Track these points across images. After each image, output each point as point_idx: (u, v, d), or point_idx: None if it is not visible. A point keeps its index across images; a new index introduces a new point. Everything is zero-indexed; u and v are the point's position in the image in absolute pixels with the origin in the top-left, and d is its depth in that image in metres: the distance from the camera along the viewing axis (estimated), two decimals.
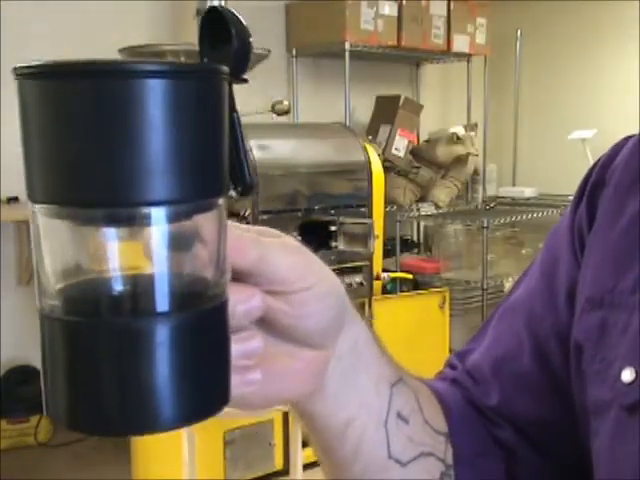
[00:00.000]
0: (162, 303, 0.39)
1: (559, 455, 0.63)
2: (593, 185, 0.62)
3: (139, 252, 0.39)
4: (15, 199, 3.40)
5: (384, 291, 3.56)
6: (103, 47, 3.46)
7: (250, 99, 3.84)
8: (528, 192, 4.85)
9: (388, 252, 4.21)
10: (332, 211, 3.03)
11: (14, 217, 3.31)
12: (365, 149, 3.28)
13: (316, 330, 0.47)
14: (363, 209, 3.20)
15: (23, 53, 3.48)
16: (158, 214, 0.37)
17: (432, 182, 4.36)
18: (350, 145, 3.29)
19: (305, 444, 2.61)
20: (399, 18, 4.15)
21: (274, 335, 0.46)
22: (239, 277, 0.44)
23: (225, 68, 0.40)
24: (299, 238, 2.66)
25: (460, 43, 4.50)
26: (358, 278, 3.17)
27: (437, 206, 4.41)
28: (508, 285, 4.56)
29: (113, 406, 0.38)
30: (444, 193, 4.39)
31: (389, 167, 4.06)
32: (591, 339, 0.56)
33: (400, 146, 4.23)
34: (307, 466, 2.69)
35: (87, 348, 0.38)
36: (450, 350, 3.60)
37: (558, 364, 0.61)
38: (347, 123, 3.83)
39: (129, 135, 0.36)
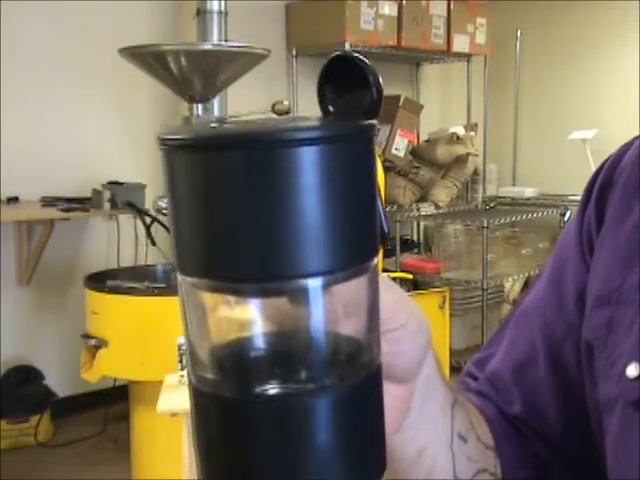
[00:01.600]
0: (321, 376, 0.37)
1: (581, 459, 0.63)
2: (601, 186, 0.61)
3: (294, 323, 0.37)
4: (15, 199, 3.40)
5: None
6: (103, 47, 3.46)
7: (250, 99, 3.85)
8: (528, 192, 4.86)
9: (388, 252, 4.22)
10: None
11: (14, 217, 3.31)
12: None
13: (409, 367, 0.46)
14: None
15: (23, 53, 3.48)
16: (314, 285, 0.35)
17: (432, 182, 4.36)
18: None
19: None
20: (399, 18, 4.15)
21: None
22: None
23: (375, 123, 0.37)
24: None
25: (460, 43, 4.50)
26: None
27: (437, 206, 4.41)
28: (508, 285, 4.56)
29: None
30: (444, 193, 4.39)
31: (389, 167, 4.07)
32: (600, 337, 0.56)
33: (400, 146, 4.23)
34: None
35: (245, 425, 0.36)
36: (450, 350, 3.60)
37: (572, 367, 0.61)
38: None
39: (283, 206, 0.33)
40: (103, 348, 2.73)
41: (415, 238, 5.01)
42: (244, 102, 3.25)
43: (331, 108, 0.41)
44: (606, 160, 0.63)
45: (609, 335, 0.55)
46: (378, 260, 0.38)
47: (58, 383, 3.58)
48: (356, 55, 0.40)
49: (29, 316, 3.62)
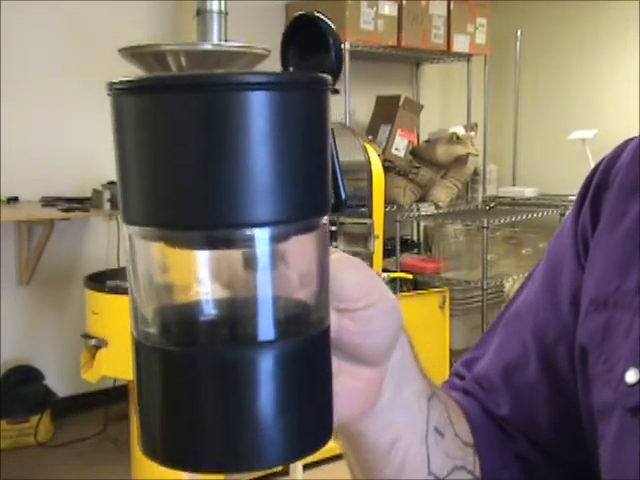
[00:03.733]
0: (266, 330, 0.36)
1: (571, 464, 0.62)
2: (596, 188, 0.61)
3: (240, 276, 0.36)
4: (15, 199, 3.40)
5: None
6: (103, 47, 3.46)
7: None
8: (528, 192, 4.85)
9: (388, 252, 4.21)
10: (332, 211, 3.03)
11: (14, 217, 3.31)
12: (365, 149, 3.28)
13: (379, 347, 0.46)
14: (363, 209, 3.20)
15: (23, 53, 3.48)
16: (261, 235, 0.34)
17: (432, 182, 4.36)
18: (350, 145, 3.29)
19: None
20: (399, 18, 4.15)
21: (335, 355, 0.44)
22: None
23: (330, 78, 0.37)
24: None
25: (460, 43, 4.50)
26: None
27: (437, 206, 4.41)
28: (508, 285, 4.56)
29: (215, 441, 0.35)
30: (444, 193, 4.39)
31: (389, 167, 4.06)
32: (595, 341, 0.55)
33: (400, 146, 4.23)
34: (307, 466, 2.69)
35: (187, 378, 0.35)
36: (450, 350, 3.60)
37: (565, 371, 0.60)
38: (347, 123, 3.83)
39: (232, 151, 0.33)
40: (103, 348, 2.73)
41: (415, 238, 5.01)
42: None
43: (291, 69, 0.41)
44: (600, 161, 0.62)
45: (605, 340, 0.55)
46: (327, 222, 0.38)
47: (58, 383, 3.58)
48: (318, 16, 0.40)
49: (29, 316, 3.62)
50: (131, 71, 3.02)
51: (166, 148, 0.33)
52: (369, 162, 3.26)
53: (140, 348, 0.37)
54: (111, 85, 0.35)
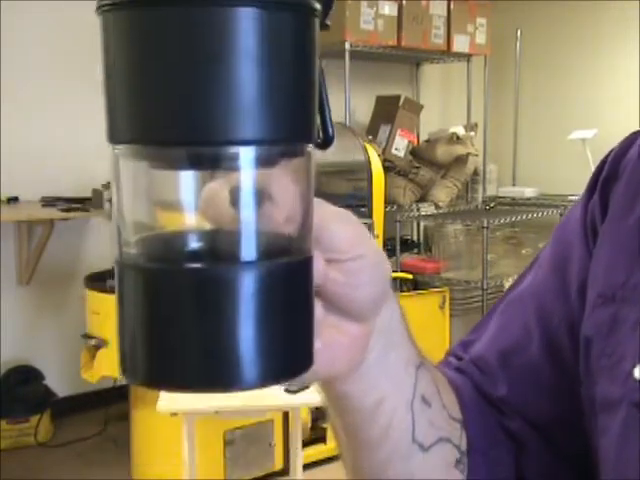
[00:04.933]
0: (248, 251, 0.36)
1: (567, 449, 0.62)
2: (605, 178, 0.61)
3: (224, 199, 0.36)
4: (15, 199, 3.40)
5: None
6: None
7: None
8: (528, 192, 4.85)
9: (388, 252, 4.21)
10: None
11: (14, 217, 3.31)
12: (365, 149, 3.28)
13: (367, 300, 0.46)
14: (363, 209, 3.20)
15: (23, 53, 3.48)
16: (246, 155, 0.34)
17: (432, 182, 4.36)
18: (350, 145, 3.29)
19: (305, 444, 2.61)
20: (399, 18, 4.15)
21: (322, 307, 0.44)
22: None
23: (319, 5, 0.36)
24: None
25: (460, 43, 4.50)
26: None
27: (437, 206, 4.41)
28: (508, 285, 4.55)
29: (197, 360, 0.35)
30: (444, 193, 4.39)
31: (389, 167, 4.06)
32: (601, 334, 0.56)
33: (400, 146, 4.23)
34: (307, 466, 2.69)
35: (168, 297, 0.35)
36: None
37: (568, 357, 0.60)
38: (347, 123, 3.83)
39: (218, 68, 0.32)
40: (103, 348, 2.73)
41: (415, 238, 5.01)
42: None
43: None
44: (609, 154, 0.63)
45: (612, 333, 0.55)
46: (312, 152, 0.37)
47: (58, 383, 3.58)
48: None
49: (29, 316, 3.62)
50: None
51: (150, 64, 0.33)
52: (369, 162, 3.26)
53: (121, 268, 0.37)
54: (99, 3, 0.35)
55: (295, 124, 0.35)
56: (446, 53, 4.56)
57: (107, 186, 3.40)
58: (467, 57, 4.71)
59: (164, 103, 0.33)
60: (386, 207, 3.53)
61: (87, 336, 2.84)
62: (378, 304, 0.47)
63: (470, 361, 0.66)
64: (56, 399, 3.52)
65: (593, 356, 0.56)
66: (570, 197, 4.50)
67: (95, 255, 3.66)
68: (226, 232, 0.37)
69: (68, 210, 3.25)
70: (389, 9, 4.10)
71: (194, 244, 0.37)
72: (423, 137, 4.75)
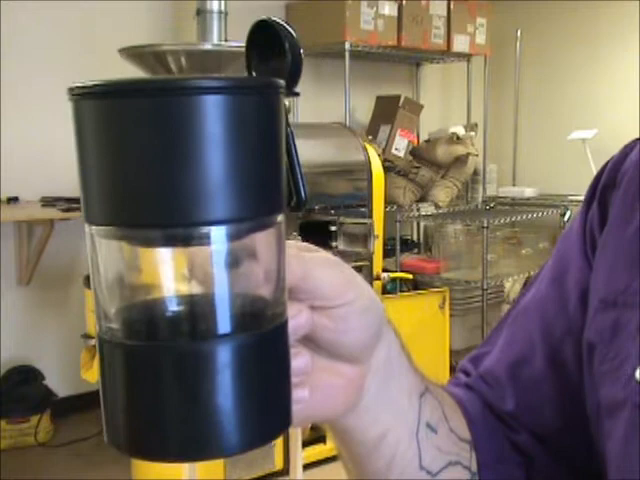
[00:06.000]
0: (223, 325, 0.37)
1: (576, 461, 0.62)
2: (604, 187, 0.62)
3: (198, 271, 0.38)
4: (15, 199, 3.40)
5: (384, 291, 3.56)
6: (103, 47, 3.46)
7: None
8: (528, 192, 4.85)
9: (388, 252, 4.21)
10: (332, 211, 3.03)
11: (14, 217, 3.31)
12: (365, 149, 3.28)
13: (357, 345, 0.46)
14: (363, 209, 3.20)
15: (23, 54, 3.48)
16: (217, 233, 0.36)
17: (432, 182, 4.36)
18: (350, 145, 3.29)
19: (305, 444, 2.61)
20: (399, 18, 4.15)
21: (314, 351, 0.45)
22: None
23: (282, 82, 0.39)
24: (299, 238, 2.66)
25: (460, 43, 4.50)
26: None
27: (437, 206, 4.41)
28: (508, 285, 4.56)
29: (176, 431, 0.37)
30: (444, 193, 4.39)
31: (389, 167, 4.07)
32: (604, 339, 0.56)
33: (400, 146, 4.23)
34: (307, 466, 2.69)
35: (148, 372, 0.37)
36: (450, 350, 3.60)
37: (571, 368, 0.61)
38: (347, 123, 3.83)
39: (188, 153, 0.34)
40: None
41: (415, 238, 5.01)
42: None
43: (254, 73, 0.43)
44: (608, 162, 0.63)
45: (614, 338, 0.55)
46: (283, 220, 0.39)
47: (58, 383, 3.58)
48: (275, 21, 0.42)
49: (29, 316, 3.62)
50: (131, 71, 3.03)
51: (123, 151, 0.35)
52: (369, 162, 3.26)
53: (103, 343, 0.38)
54: (70, 90, 0.36)
55: (263, 200, 0.37)
56: (446, 53, 4.56)
57: None
58: (467, 57, 4.71)
59: (137, 188, 0.35)
60: (386, 207, 3.53)
61: (87, 336, 2.84)
62: (370, 346, 0.48)
63: (479, 376, 0.66)
64: (56, 399, 3.52)
65: (596, 362, 0.56)
66: (570, 197, 4.50)
67: None
68: (200, 299, 0.39)
69: (68, 210, 3.25)
70: (389, 9, 4.10)
71: (170, 315, 0.39)
72: (423, 137, 4.75)
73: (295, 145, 0.41)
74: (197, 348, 0.37)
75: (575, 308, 0.61)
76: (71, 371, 3.39)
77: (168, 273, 0.39)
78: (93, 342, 2.78)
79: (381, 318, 0.48)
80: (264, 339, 0.39)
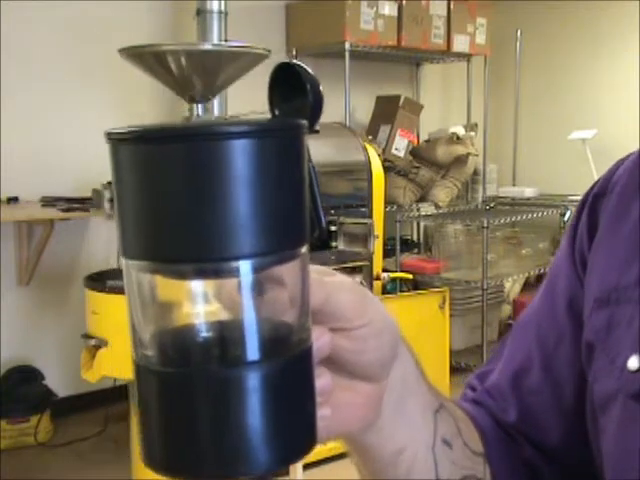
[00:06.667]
0: (252, 352, 0.40)
1: (576, 469, 0.63)
2: (595, 196, 0.63)
3: (229, 302, 0.41)
4: (15, 199, 3.40)
5: (384, 291, 3.56)
6: (103, 47, 3.46)
7: (250, 99, 3.84)
8: (528, 192, 4.85)
9: (388, 252, 4.21)
10: (332, 211, 3.03)
11: (14, 217, 3.31)
12: (365, 149, 3.28)
13: (374, 364, 0.48)
14: (363, 209, 3.20)
15: (23, 54, 3.48)
16: (245, 267, 0.39)
17: (432, 182, 4.36)
18: (350, 145, 3.29)
19: None
20: (399, 18, 4.15)
21: (334, 371, 0.47)
22: None
23: (305, 123, 0.41)
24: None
25: (460, 43, 4.50)
26: (358, 278, 3.17)
27: (437, 206, 4.41)
28: (508, 285, 4.56)
29: (208, 453, 0.39)
30: (444, 193, 4.39)
31: (389, 167, 4.07)
32: (600, 338, 0.57)
33: (400, 146, 4.23)
34: (307, 466, 2.69)
35: (181, 397, 0.40)
36: (450, 350, 3.60)
37: (565, 376, 0.62)
38: (347, 123, 3.83)
39: (217, 194, 0.37)
40: (103, 348, 2.73)
41: (415, 238, 5.01)
42: (244, 102, 3.25)
43: (277, 112, 0.46)
44: (601, 177, 0.64)
45: (610, 334, 0.56)
46: (307, 249, 0.41)
47: (58, 383, 3.58)
48: (296, 63, 0.45)
49: (29, 316, 3.62)
50: (131, 71, 3.02)
51: (158, 192, 0.38)
52: (369, 162, 3.26)
53: (140, 370, 0.41)
54: (108, 134, 0.39)
55: (287, 235, 0.40)
56: (446, 53, 4.56)
57: (107, 186, 3.40)
58: (467, 57, 4.71)
59: (171, 226, 0.38)
60: (386, 207, 3.53)
61: (87, 336, 2.84)
62: (387, 365, 0.50)
63: (484, 391, 0.68)
64: (56, 399, 3.52)
65: (595, 360, 0.57)
66: (570, 197, 4.50)
67: (95, 255, 3.66)
68: (230, 328, 0.41)
69: (68, 210, 3.25)
70: (389, 9, 4.10)
71: (201, 342, 0.42)
72: (423, 137, 4.75)
73: (317, 180, 0.44)
74: (227, 375, 0.39)
75: (563, 317, 0.63)
76: (71, 371, 3.39)
77: (199, 303, 0.42)
78: (93, 342, 2.78)
79: (397, 337, 0.50)
80: (291, 364, 0.41)
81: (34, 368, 3.53)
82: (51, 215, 3.28)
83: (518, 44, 5.07)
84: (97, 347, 2.75)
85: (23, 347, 3.58)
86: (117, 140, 0.39)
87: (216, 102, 3.31)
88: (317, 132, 0.44)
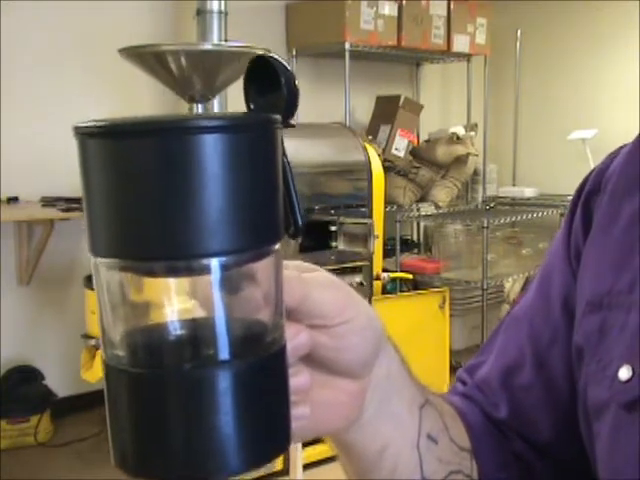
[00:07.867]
0: (223, 352, 0.39)
1: (572, 466, 0.63)
2: (588, 193, 0.63)
3: (201, 301, 0.40)
4: (15, 199, 3.40)
5: (384, 291, 3.56)
6: (103, 47, 3.46)
7: None
8: (528, 192, 4.85)
9: (388, 252, 4.21)
10: (332, 211, 3.03)
11: (14, 217, 3.31)
12: (365, 149, 3.28)
13: (356, 362, 0.48)
14: (363, 209, 3.20)
15: (23, 53, 3.48)
16: (217, 264, 0.38)
17: (432, 182, 4.36)
18: (350, 145, 3.29)
19: (305, 444, 2.61)
20: (399, 18, 4.15)
21: (315, 368, 0.47)
22: None
23: (278, 117, 0.40)
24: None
25: (460, 43, 4.50)
26: (358, 278, 3.17)
27: (437, 206, 4.41)
28: (508, 285, 4.56)
29: (180, 453, 0.38)
30: (444, 193, 4.39)
31: (389, 167, 4.07)
32: (591, 343, 0.56)
33: (400, 146, 4.23)
34: (307, 466, 2.69)
35: (151, 397, 0.39)
36: (450, 350, 3.60)
37: (558, 374, 0.61)
38: (347, 123, 3.83)
39: (188, 189, 0.36)
40: None
41: (415, 238, 5.01)
42: (244, 102, 3.25)
43: (252, 106, 0.45)
44: (592, 170, 0.64)
45: (601, 340, 0.55)
46: (280, 246, 0.41)
47: (58, 383, 3.58)
48: (272, 56, 0.44)
49: (29, 316, 3.62)
50: (131, 71, 3.03)
51: (128, 188, 0.37)
52: (369, 162, 3.26)
53: (110, 370, 0.40)
54: (76, 129, 0.38)
55: (260, 232, 0.39)
56: (446, 53, 4.56)
57: None
58: (467, 57, 4.71)
59: (141, 222, 0.37)
60: (386, 207, 3.53)
61: (87, 336, 2.84)
62: (369, 363, 0.49)
63: (474, 385, 0.67)
64: (56, 399, 3.52)
65: (585, 365, 0.57)
66: (570, 197, 4.47)
67: None
68: (201, 326, 0.40)
69: (68, 210, 3.25)
70: (389, 9, 4.10)
71: (172, 342, 0.41)
72: (423, 137, 4.75)
73: (292, 175, 0.43)
74: (198, 375, 0.38)
75: (559, 316, 0.62)
76: (71, 371, 3.39)
77: (170, 302, 0.41)
78: (93, 342, 2.78)
79: (380, 334, 0.49)
80: (263, 364, 0.40)
81: (34, 368, 3.53)
82: (51, 215, 3.28)
83: (518, 44, 5.07)
84: (97, 347, 2.75)
85: (23, 347, 3.58)
86: (85, 135, 0.38)
87: (216, 102, 3.31)
88: (293, 126, 0.43)
